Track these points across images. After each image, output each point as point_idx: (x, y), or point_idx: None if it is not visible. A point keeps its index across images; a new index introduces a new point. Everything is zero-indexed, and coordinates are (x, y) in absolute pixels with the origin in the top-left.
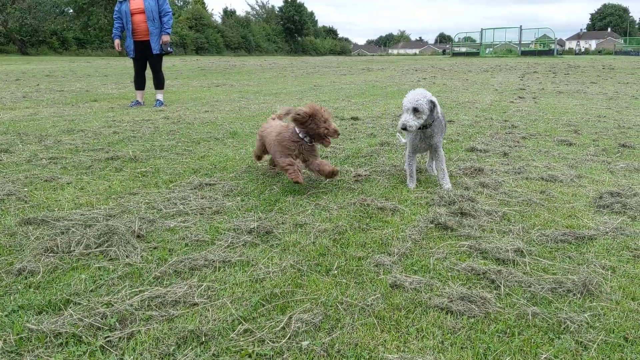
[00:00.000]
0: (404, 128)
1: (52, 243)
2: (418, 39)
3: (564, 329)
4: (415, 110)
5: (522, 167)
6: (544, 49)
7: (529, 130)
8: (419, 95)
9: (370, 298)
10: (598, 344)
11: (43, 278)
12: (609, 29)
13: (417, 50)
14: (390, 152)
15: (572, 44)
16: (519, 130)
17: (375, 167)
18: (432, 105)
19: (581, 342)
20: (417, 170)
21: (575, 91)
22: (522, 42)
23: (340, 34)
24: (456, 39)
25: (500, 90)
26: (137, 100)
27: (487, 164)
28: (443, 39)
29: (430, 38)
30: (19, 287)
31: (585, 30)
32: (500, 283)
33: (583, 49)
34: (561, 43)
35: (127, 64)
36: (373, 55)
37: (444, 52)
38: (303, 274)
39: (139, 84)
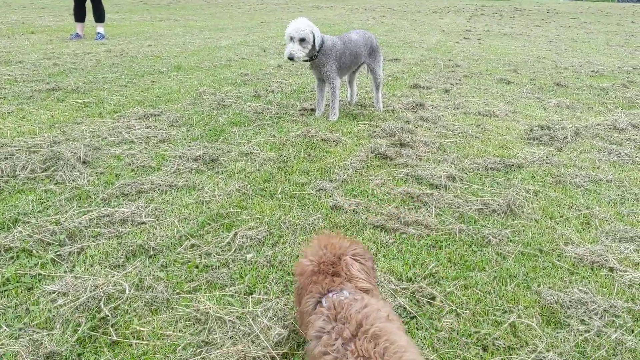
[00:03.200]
0: (291, 58)
1: None
2: None
3: (487, 242)
4: (302, 40)
5: (461, 103)
6: None
7: (471, 69)
8: (304, 25)
9: (311, 218)
10: (515, 255)
11: None
12: None
13: None
14: None
15: None
16: (461, 69)
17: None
18: (313, 36)
19: (501, 253)
20: (363, 105)
21: (519, 34)
22: None
23: None
24: None
25: (447, 31)
26: (77, 33)
27: (429, 99)
28: None
29: None
30: None
31: None
32: (432, 204)
33: None
34: None
35: None
36: None
37: None
38: (248, 197)
39: (79, 15)
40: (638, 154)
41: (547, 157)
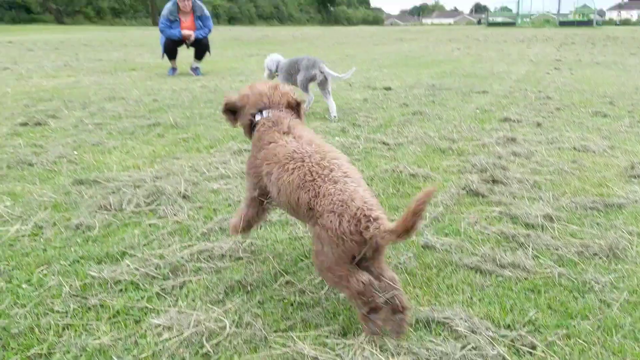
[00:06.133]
0: None
1: (105, 201)
2: (453, 8)
3: (589, 288)
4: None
5: (555, 137)
6: (583, 19)
7: (564, 101)
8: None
9: (402, 257)
10: (621, 303)
11: (99, 232)
12: None
13: (451, 20)
14: (422, 120)
15: (613, 14)
16: (553, 101)
17: (407, 135)
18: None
19: (605, 300)
20: (452, 139)
21: (613, 62)
22: (560, 12)
23: (373, 4)
24: (492, 9)
25: (535, 62)
26: (173, 67)
27: (520, 133)
28: (479, 8)
29: (466, 8)
30: (78, 240)
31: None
32: (529, 246)
33: (622, 19)
34: (601, 13)
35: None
36: (406, 25)
37: (479, 22)
38: None
39: (172, 54)
40: None
41: None
